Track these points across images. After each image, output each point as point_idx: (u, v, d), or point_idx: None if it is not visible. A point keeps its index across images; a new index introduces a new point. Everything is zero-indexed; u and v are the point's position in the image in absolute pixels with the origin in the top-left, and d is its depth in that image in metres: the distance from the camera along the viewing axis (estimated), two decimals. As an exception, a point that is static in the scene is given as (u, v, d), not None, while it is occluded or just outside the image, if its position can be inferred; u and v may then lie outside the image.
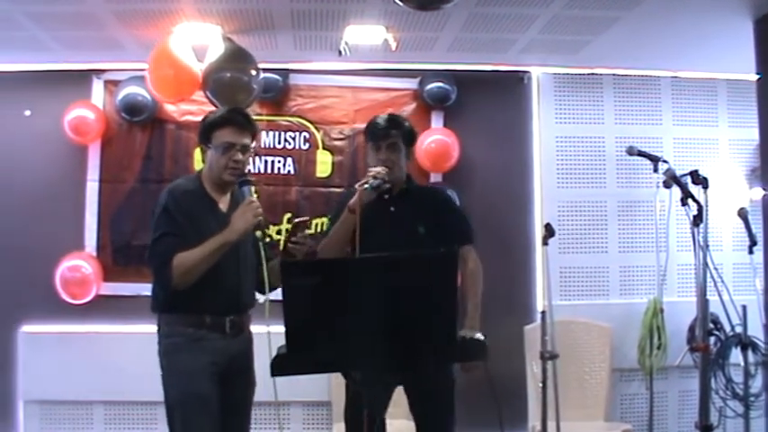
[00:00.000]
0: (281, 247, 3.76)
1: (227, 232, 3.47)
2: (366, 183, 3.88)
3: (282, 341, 2.85)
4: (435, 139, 5.91)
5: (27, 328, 5.83)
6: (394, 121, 4.15)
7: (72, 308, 5.74)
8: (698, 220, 4.46)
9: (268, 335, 3.21)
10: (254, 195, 3.60)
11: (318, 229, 5.82)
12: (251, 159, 4.13)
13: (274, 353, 2.94)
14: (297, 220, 3.80)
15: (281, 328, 2.81)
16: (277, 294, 3.40)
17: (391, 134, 4.05)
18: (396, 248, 3.43)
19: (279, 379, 2.93)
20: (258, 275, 3.63)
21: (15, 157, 5.90)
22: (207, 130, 3.69)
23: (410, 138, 4.19)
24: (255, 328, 3.78)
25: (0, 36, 5.22)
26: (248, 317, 3.79)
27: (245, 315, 3.76)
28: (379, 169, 3.94)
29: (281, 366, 2.90)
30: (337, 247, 4.03)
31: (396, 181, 4.07)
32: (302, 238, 3.67)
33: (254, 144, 3.78)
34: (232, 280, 3.62)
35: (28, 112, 5.94)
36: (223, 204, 3.72)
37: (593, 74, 6.22)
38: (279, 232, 5.92)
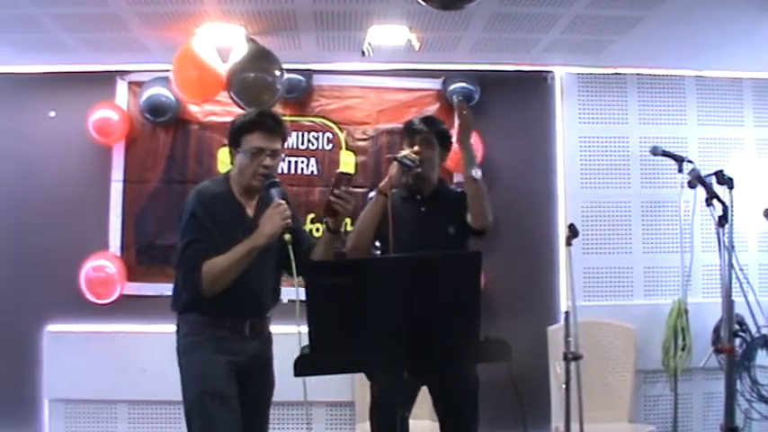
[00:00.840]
0: (324, 204, 3.66)
1: (255, 237, 3.43)
2: (397, 155, 3.94)
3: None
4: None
5: (52, 327, 5.86)
6: (429, 119, 4.25)
7: (96, 307, 5.78)
8: (723, 220, 4.43)
9: (299, 335, 3.22)
10: (283, 198, 3.54)
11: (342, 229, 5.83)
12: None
13: (290, 353, 2.94)
14: (339, 171, 3.73)
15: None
16: (301, 294, 3.42)
17: (424, 130, 4.10)
18: (426, 249, 3.45)
19: (303, 378, 2.92)
20: (282, 274, 3.62)
21: (40, 158, 5.95)
22: (236, 134, 3.65)
23: (445, 139, 4.21)
24: (284, 328, 3.77)
25: (25, 38, 5.26)
26: (268, 319, 3.78)
27: (265, 318, 3.75)
28: (409, 151, 4.00)
29: (304, 366, 2.89)
30: (366, 233, 4.04)
31: (427, 178, 4.10)
32: (345, 193, 3.54)
33: (284, 148, 3.74)
34: (254, 284, 3.59)
35: (53, 114, 5.99)
36: (250, 209, 3.68)
37: (616, 73, 6.19)
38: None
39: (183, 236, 3.55)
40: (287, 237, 3.46)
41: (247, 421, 3.64)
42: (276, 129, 3.65)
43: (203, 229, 3.49)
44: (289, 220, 3.44)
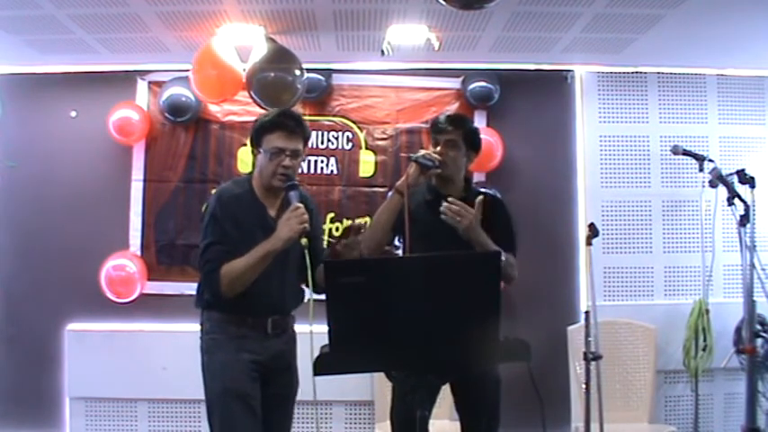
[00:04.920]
0: (328, 246, 3.71)
1: (272, 240, 3.44)
2: (413, 154, 3.93)
3: (325, 340, 2.85)
4: (478, 139, 5.89)
5: (73, 326, 5.90)
6: (455, 119, 4.15)
7: (117, 306, 5.81)
8: (745, 219, 4.40)
9: (311, 334, 3.23)
10: (302, 201, 3.54)
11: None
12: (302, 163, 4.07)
13: (317, 352, 2.95)
14: (351, 224, 3.75)
15: (323, 328, 2.81)
16: (313, 294, 3.42)
17: (448, 130, 4.03)
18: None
19: (321, 378, 2.93)
20: (304, 278, 3.60)
21: (61, 157, 5.99)
22: (257, 134, 3.66)
23: (472, 139, 4.13)
24: (298, 328, 3.78)
25: (46, 39, 5.29)
26: (292, 317, 3.78)
27: (288, 316, 3.75)
28: (430, 151, 3.96)
29: (324, 365, 2.90)
30: (380, 233, 4.01)
31: (450, 180, 4.05)
32: (353, 243, 3.60)
33: (306, 149, 3.73)
34: (276, 283, 3.60)
35: (74, 113, 6.03)
36: (273, 209, 3.68)
37: (637, 72, 6.16)
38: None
39: (203, 237, 3.58)
40: (303, 241, 3.46)
41: (271, 420, 3.66)
42: (297, 129, 3.64)
43: (223, 231, 3.51)
44: (306, 225, 3.43)
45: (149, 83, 6.06)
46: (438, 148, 4.00)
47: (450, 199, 3.83)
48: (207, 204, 3.70)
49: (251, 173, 3.77)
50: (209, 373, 3.62)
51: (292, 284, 3.73)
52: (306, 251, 3.48)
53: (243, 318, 3.57)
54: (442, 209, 3.80)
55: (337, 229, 5.95)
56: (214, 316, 3.62)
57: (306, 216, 3.45)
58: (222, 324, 3.59)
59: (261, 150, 3.63)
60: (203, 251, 3.56)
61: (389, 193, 4.10)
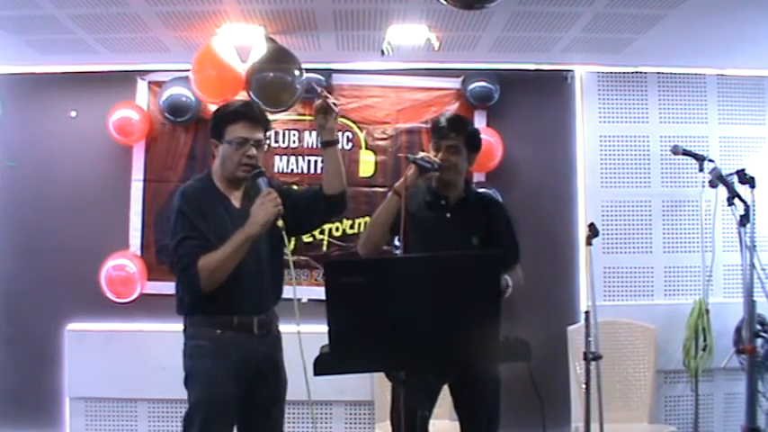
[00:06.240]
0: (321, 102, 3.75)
1: (249, 226, 3.44)
2: (411, 155, 3.94)
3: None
4: (479, 139, 5.89)
5: (73, 326, 5.90)
6: (457, 122, 4.14)
7: (117, 306, 5.81)
8: (745, 219, 4.40)
9: (298, 334, 3.26)
10: (270, 186, 3.59)
11: (361, 229, 5.88)
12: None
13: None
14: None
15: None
16: (319, 294, 3.43)
17: (450, 136, 4.02)
18: None
19: (321, 378, 2.92)
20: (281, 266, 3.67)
21: (61, 157, 6.00)
22: (219, 125, 3.65)
23: (473, 142, 4.14)
24: (285, 328, 3.78)
25: (46, 39, 5.29)
26: (275, 316, 3.77)
27: (271, 314, 3.74)
28: (431, 154, 3.95)
29: (324, 365, 2.90)
30: (378, 234, 4.02)
31: (451, 183, 4.06)
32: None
33: (267, 139, 3.75)
34: (255, 277, 3.59)
35: (74, 113, 6.03)
36: (236, 200, 3.68)
37: (637, 72, 6.16)
38: (322, 232, 5.94)
39: (173, 235, 3.55)
40: (280, 223, 3.49)
41: (264, 422, 3.67)
42: (260, 119, 3.67)
43: (192, 226, 3.49)
44: (280, 207, 3.46)
45: (149, 83, 6.06)
46: (440, 154, 3.99)
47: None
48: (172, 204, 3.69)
49: (209, 168, 3.76)
50: (192, 380, 3.60)
51: (270, 278, 3.72)
52: (283, 233, 3.50)
53: (229, 319, 3.55)
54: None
55: (337, 229, 5.95)
56: (197, 320, 3.60)
57: (279, 200, 3.47)
58: (207, 328, 3.56)
59: (223, 141, 3.62)
60: (175, 248, 3.52)
61: (389, 194, 4.10)
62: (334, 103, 3.74)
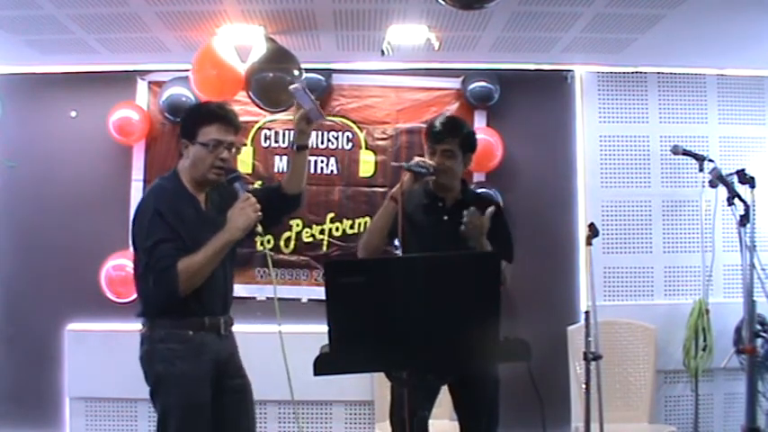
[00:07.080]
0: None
1: (229, 231, 3.43)
2: (406, 163, 3.92)
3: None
4: (478, 139, 5.84)
5: (73, 326, 5.90)
6: (451, 126, 4.11)
7: (117, 306, 5.78)
8: (745, 219, 4.40)
9: (279, 334, 3.30)
10: (246, 190, 3.59)
11: (361, 229, 5.88)
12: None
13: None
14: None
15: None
16: (319, 294, 3.43)
17: (446, 140, 4.01)
18: None
19: (321, 378, 2.92)
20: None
21: (61, 157, 6.00)
22: (193, 125, 3.60)
23: (468, 144, 4.12)
24: (266, 327, 3.77)
25: (46, 39, 5.29)
26: (232, 318, 3.76)
27: (230, 315, 3.74)
28: (426, 159, 3.95)
29: (324, 365, 2.90)
30: (377, 239, 4.03)
31: (447, 186, 4.06)
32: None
33: (237, 142, 3.72)
34: (222, 279, 3.60)
35: (74, 113, 6.03)
36: (203, 203, 3.65)
37: (637, 72, 6.16)
38: (322, 232, 5.94)
39: (148, 236, 3.44)
40: (259, 228, 3.51)
41: (237, 420, 3.67)
42: (234, 121, 3.65)
43: (170, 228, 3.43)
44: (260, 213, 3.46)
45: (149, 83, 6.05)
46: (435, 158, 3.98)
47: (471, 209, 3.82)
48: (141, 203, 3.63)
49: (175, 168, 3.70)
50: (165, 385, 3.54)
51: (231, 278, 3.75)
52: (261, 238, 3.59)
53: (201, 320, 3.52)
54: (464, 221, 3.79)
55: (337, 229, 5.95)
56: (166, 323, 3.52)
57: (258, 205, 3.47)
58: (179, 330, 3.50)
59: (195, 142, 3.57)
60: (152, 249, 3.41)
61: (386, 201, 4.07)
62: (323, 115, 3.82)
